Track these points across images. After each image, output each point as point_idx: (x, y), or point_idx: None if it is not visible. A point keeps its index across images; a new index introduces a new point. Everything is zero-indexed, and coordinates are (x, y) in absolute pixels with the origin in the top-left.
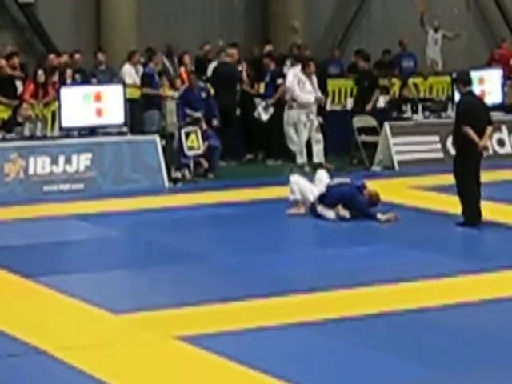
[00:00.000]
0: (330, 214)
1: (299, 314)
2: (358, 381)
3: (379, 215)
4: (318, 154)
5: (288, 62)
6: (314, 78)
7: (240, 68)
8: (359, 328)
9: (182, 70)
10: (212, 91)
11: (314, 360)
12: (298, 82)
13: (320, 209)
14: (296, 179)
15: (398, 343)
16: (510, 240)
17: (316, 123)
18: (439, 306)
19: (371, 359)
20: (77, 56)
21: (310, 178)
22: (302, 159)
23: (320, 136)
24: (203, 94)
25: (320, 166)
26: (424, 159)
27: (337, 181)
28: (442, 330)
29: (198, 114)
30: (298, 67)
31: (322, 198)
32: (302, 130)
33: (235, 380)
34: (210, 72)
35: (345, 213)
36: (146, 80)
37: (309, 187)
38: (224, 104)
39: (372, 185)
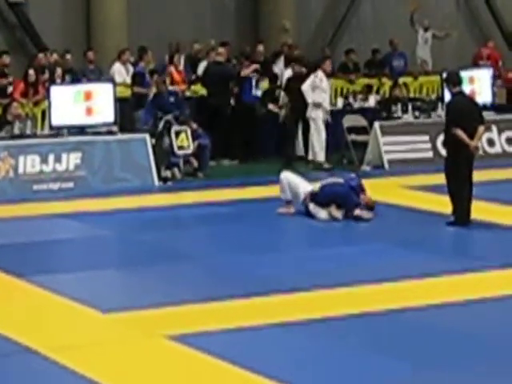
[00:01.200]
0: (321, 213)
1: (289, 313)
2: (340, 379)
3: (357, 211)
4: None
5: (280, 62)
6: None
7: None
8: (343, 328)
9: (172, 69)
10: (200, 91)
11: (302, 359)
12: (320, 80)
13: (312, 207)
14: (285, 175)
15: (382, 343)
16: (499, 240)
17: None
18: (423, 306)
19: (356, 358)
20: (67, 56)
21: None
22: (321, 157)
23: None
24: (171, 99)
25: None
26: (414, 159)
27: (331, 180)
28: (428, 329)
29: (169, 117)
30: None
31: (314, 197)
32: (322, 129)
33: (223, 378)
34: (200, 71)
35: (337, 214)
36: (137, 79)
37: (299, 182)
38: (216, 103)
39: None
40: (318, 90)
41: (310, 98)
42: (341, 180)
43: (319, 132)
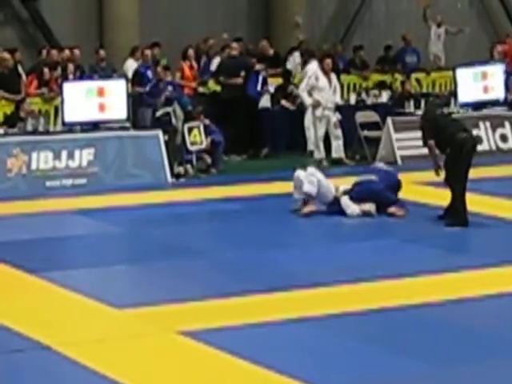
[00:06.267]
0: (353, 208)
1: (300, 309)
2: (356, 376)
3: (392, 209)
4: (338, 150)
5: (295, 57)
6: (333, 75)
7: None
8: (359, 324)
9: (185, 65)
10: (213, 87)
11: (315, 355)
12: (316, 79)
13: (344, 200)
14: (312, 172)
15: (396, 339)
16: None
17: (334, 119)
18: (439, 302)
19: (370, 355)
20: (76, 52)
21: (327, 173)
22: (319, 154)
23: (339, 132)
24: (169, 88)
25: (340, 161)
26: (426, 155)
27: (365, 177)
28: (441, 325)
29: (169, 109)
30: (314, 64)
31: (348, 192)
32: (318, 125)
33: (236, 374)
34: (214, 67)
35: (371, 209)
36: (137, 78)
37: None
38: (231, 96)
39: None
40: (316, 89)
41: (306, 100)
42: (374, 177)
43: (316, 130)
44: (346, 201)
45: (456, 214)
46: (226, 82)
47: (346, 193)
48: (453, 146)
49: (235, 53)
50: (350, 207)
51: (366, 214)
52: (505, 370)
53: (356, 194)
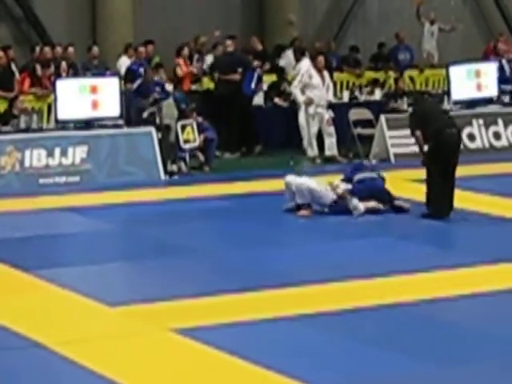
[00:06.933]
0: (360, 206)
1: (293, 306)
2: (344, 373)
3: (401, 202)
4: (331, 148)
5: (288, 55)
6: (325, 73)
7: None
8: (348, 321)
9: (181, 61)
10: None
11: (306, 352)
12: (309, 77)
13: (355, 201)
14: (302, 181)
15: (384, 337)
16: (504, 234)
17: (326, 116)
18: (427, 300)
19: (358, 352)
20: (70, 49)
21: (320, 170)
22: (312, 152)
23: (332, 129)
24: (157, 89)
25: (333, 159)
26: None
27: (364, 175)
28: (430, 323)
29: (154, 109)
30: (307, 61)
31: (351, 191)
32: (311, 123)
33: (230, 372)
34: (208, 64)
35: (378, 205)
36: (129, 76)
37: (315, 183)
38: (227, 93)
39: None
40: (309, 87)
41: (299, 98)
42: (374, 175)
43: (309, 127)
44: (356, 202)
45: (434, 205)
46: (224, 78)
47: (349, 193)
48: (438, 140)
49: (231, 49)
50: (358, 208)
51: (373, 211)
52: (497, 370)
53: (359, 192)
